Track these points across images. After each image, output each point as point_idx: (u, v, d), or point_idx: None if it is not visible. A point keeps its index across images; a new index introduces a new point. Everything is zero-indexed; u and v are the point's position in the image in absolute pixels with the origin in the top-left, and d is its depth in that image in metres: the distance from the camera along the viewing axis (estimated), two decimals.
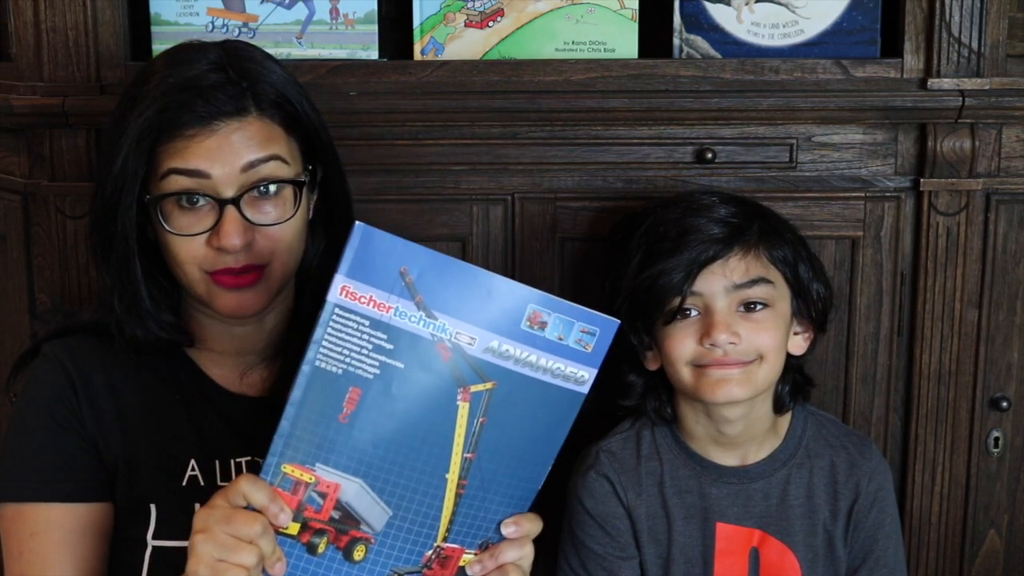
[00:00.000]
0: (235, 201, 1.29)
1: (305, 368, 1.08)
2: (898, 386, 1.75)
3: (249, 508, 1.11)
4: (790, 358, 1.53)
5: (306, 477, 1.11)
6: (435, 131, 1.70)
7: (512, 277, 1.67)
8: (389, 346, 1.08)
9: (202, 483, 1.35)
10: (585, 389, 1.13)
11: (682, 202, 1.53)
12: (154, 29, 1.72)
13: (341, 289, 1.07)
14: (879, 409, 1.75)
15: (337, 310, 1.07)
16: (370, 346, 1.08)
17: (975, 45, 1.67)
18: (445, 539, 1.15)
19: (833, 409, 1.73)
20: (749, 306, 1.47)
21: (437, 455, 1.11)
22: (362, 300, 1.07)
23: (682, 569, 1.54)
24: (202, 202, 1.29)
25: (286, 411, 1.10)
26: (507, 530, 1.18)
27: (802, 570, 1.53)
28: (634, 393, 1.57)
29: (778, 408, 1.55)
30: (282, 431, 1.10)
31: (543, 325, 1.10)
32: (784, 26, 1.72)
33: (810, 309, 1.53)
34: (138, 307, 1.35)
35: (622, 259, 1.54)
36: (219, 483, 1.35)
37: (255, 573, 1.10)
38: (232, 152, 1.29)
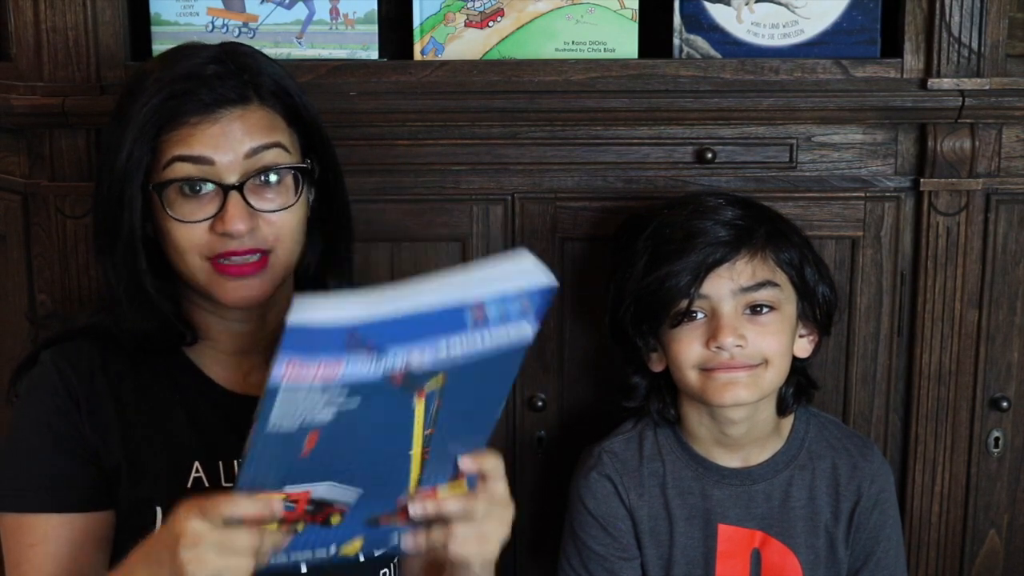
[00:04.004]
0: (239, 187, 1.30)
1: (255, 436, 1.04)
2: (898, 386, 1.75)
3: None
4: (795, 360, 1.53)
5: (276, 497, 1.09)
6: (435, 131, 1.70)
7: None
8: (341, 398, 1.04)
9: (207, 484, 1.34)
10: (530, 338, 1.08)
11: (688, 204, 1.53)
12: (154, 29, 1.72)
13: (285, 369, 0.99)
14: (879, 409, 1.75)
15: (284, 387, 1.01)
16: (323, 402, 1.03)
17: (975, 45, 1.67)
18: (417, 489, 1.15)
19: (833, 409, 1.73)
20: (755, 309, 1.47)
21: (401, 442, 1.10)
22: (309, 373, 1.00)
23: (683, 570, 1.54)
24: (205, 189, 1.30)
25: (244, 467, 1.06)
26: (464, 466, 1.14)
27: (803, 572, 1.54)
28: (638, 394, 1.58)
29: (781, 410, 1.55)
30: (243, 480, 1.07)
31: (486, 317, 1.06)
32: (784, 26, 1.72)
33: (815, 312, 1.53)
34: (144, 297, 1.34)
35: (627, 261, 1.53)
36: (224, 484, 1.35)
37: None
38: (235, 139, 1.30)
